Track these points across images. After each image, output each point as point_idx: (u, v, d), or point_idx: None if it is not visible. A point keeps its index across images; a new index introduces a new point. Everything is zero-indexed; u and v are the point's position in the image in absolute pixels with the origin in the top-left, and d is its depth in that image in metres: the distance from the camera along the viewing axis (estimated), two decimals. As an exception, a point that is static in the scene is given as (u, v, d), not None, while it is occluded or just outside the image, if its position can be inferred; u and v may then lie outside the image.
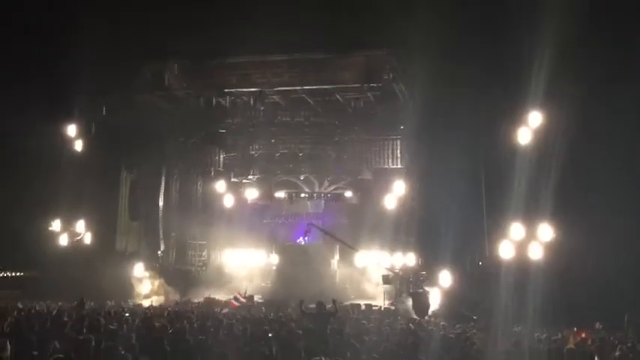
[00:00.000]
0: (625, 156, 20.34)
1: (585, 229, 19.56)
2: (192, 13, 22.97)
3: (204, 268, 29.81)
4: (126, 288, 25.16)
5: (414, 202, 25.09)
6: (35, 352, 8.05)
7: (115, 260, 25.48)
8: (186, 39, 23.48)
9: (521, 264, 19.76)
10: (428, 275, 23.23)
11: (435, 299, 22.10)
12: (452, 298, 21.58)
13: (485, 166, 22.13)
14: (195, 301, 24.39)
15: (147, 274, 26.55)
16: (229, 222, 29.00)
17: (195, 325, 11.60)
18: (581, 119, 19.30)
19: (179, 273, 28.37)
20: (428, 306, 21.74)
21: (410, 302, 22.25)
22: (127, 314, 14.72)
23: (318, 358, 7.56)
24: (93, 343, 7.48)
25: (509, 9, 19.83)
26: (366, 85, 24.36)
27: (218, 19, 22.99)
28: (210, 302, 23.59)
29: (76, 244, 25.15)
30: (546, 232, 19.85)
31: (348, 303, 23.09)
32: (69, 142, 25.54)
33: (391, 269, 23.92)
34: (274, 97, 26.55)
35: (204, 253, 30.14)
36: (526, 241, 20.05)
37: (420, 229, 23.82)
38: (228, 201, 29.09)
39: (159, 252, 28.06)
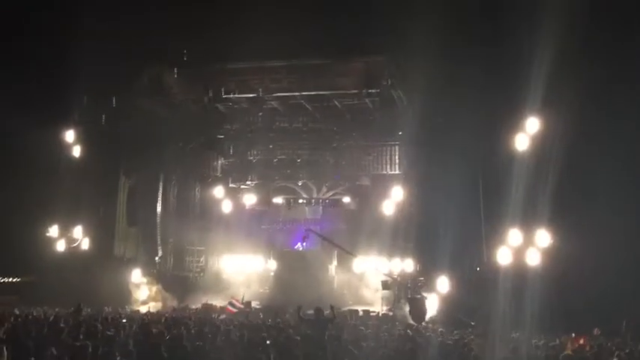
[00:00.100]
0: (622, 161, 20.37)
1: (583, 235, 19.56)
2: (191, 19, 23.06)
3: (201, 274, 29.71)
4: (123, 294, 25.04)
5: (412, 208, 25.05)
6: (32, 359, 8.04)
7: (112, 266, 25.37)
8: (185, 44, 23.54)
9: (519, 270, 19.74)
10: (426, 281, 23.17)
11: (432, 305, 22.09)
12: (450, 303, 21.55)
13: (482, 172, 22.14)
14: (193, 307, 24.37)
15: (144, 280, 26.45)
16: (227, 228, 28.93)
17: (193, 332, 11.58)
18: (579, 124, 19.35)
19: (177, 279, 28.33)
20: (425, 312, 21.71)
21: (407, 308, 22.25)
22: (124, 320, 14.71)
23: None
24: (90, 350, 7.50)
25: (507, 17, 19.96)
26: (364, 91, 24.33)
27: (217, 25, 23.07)
28: (208, 308, 23.55)
29: (73, 250, 25.00)
30: (544, 238, 19.85)
31: (346, 309, 23.09)
32: (67, 147, 25.45)
33: (389, 275, 23.90)
34: (273, 102, 26.51)
35: (201, 259, 30.07)
36: (524, 247, 20.04)
37: (418, 234, 23.80)
38: (226, 207, 29.08)
39: (156, 258, 27.97)
